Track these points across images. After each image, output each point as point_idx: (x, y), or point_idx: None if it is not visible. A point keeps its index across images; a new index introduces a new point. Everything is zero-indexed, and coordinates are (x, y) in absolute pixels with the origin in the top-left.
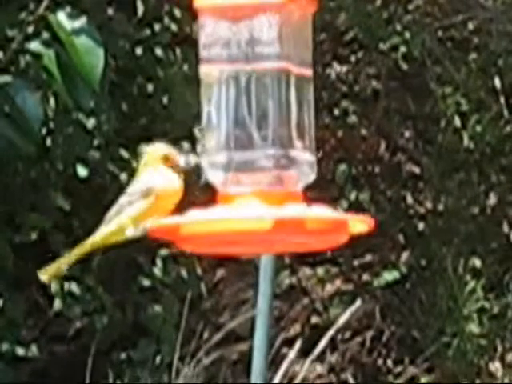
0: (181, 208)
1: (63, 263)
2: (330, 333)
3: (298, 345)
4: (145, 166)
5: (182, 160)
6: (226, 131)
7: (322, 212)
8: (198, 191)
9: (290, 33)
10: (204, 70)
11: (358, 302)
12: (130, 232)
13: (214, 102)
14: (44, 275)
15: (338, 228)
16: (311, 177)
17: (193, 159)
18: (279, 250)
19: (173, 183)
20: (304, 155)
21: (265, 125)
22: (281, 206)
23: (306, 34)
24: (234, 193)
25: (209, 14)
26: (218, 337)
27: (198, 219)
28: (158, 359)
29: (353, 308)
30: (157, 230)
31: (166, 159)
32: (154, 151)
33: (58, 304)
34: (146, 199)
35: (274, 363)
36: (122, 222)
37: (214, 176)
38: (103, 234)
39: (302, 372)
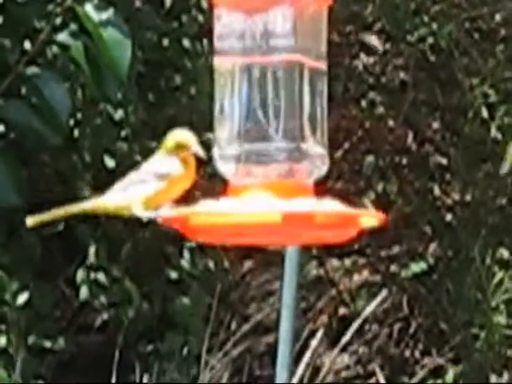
0: (192, 198)
1: (55, 215)
2: (356, 324)
3: (319, 335)
4: (163, 149)
5: (199, 149)
6: (238, 123)
7: (331, 206)
8: (209, 181)
9: (305, 26)
10: (218, 61)
11: (384, 293)
12: (139, 212)
13: (226, 93)
14: (31, 221)
15: (348, 222)
16: (323, 170)
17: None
18: (289, 242)
19: (186, 170)
20: (316, 148)
21: (277, 117)
22: (291, 198)
23: (320, 27)
24: (245, 184)
25: (224, 6)
26: (245, 329)
27: (208, 210)
28: (185, 351)
29: (378, 299)
30: (167, 220)
31: (183, 146)
32: (174, 137)
33: (84, 294)
34: (160, 182)
35: (301, 355)
36: (129, 197)
37: (225, 167)
38: (107, 201)
39: (329, 363)
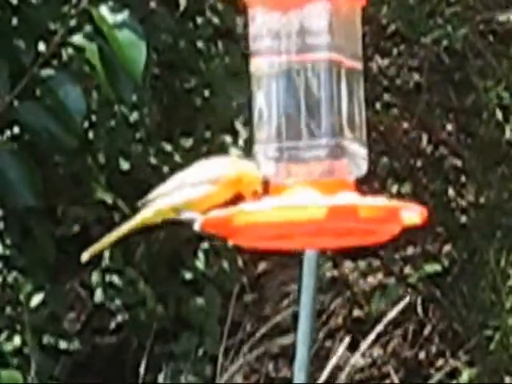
0: (232, 202)
1: (107, 243)
2: (378, 328)
3: (346, 340)
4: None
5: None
6: (277, 122)
7: (375, 200)
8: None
9: (340, 24)
10: (254, 62)
11: (407, 299)
12: (186, 215)
13: (264, 94)
14: (86, 255)
15: (392, 217)
16: (363, 169)
17: None
18: (331, 243)
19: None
20: (355, 146)
21: (316, 115)
22: (333, 195)
23: (355, 27)
24: (286, 184)
25: (259, 6)
26: (261, 331)
27: (250, 210)
28: (200, 352)
29: (401, 305)
30: (208, 223)
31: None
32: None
33: (99, 296)
34: (207, 186)
35: (316, 356)
36: (176, 201)
37: (266, 167)
38: (152, 211)
39: (347, 367)
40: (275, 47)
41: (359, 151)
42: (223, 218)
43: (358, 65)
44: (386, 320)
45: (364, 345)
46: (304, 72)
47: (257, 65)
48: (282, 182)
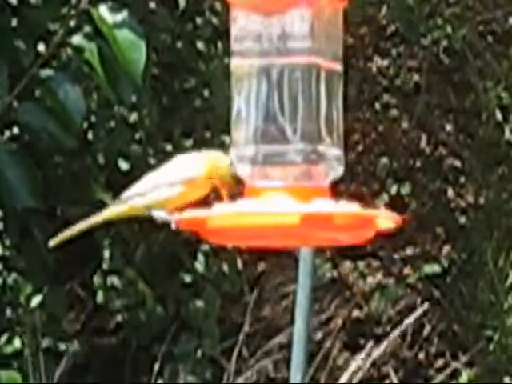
0: (207, 201)
1: (76, 231)
2: (394, 333)
3: (368, 345)
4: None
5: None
6: (254, 125)
7: (349, 208)
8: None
9: (322, 27)
10: (235, 63)
11: (423, 308)
12: (158, 214)
13: (243, 95)
14: (53, 242)
15: (366, 224)
16: (339, 171)
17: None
18: (306, 243)
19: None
20: (332, 150)
21: (294, 119)
22: (308, 200)
23: (337, 28)
24: (262, 186)
25: (241, 8)
26: (259, 331)
27: (224, 212)
28: (199, 353)
29: (418, 312)
30: (184, 222)
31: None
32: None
33: (99, 297)
34: (181, 185)
35: (315, 357)
36: (150, 200)
37: (241, 169)
38: (127, 207)
39: (345, 367)
40: (256, 49)
41: (336, 154)
42: (197, 219)
43: (338, 66)
44: (400, 328)
45: (374, 353)
46: (284, 75)
47: (237, 65)
48: (257, 185)
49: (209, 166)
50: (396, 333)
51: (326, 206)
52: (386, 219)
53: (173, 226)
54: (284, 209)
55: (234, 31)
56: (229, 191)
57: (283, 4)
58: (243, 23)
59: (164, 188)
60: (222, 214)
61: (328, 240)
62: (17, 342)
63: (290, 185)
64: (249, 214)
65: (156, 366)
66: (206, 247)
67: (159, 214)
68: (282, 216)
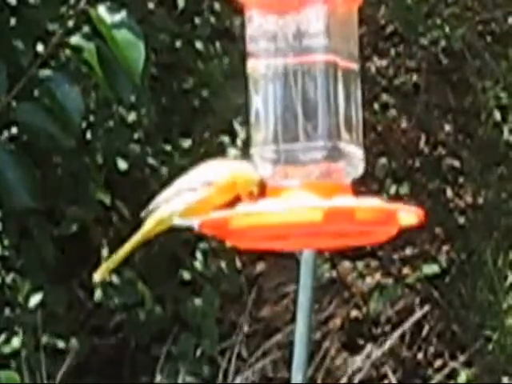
0: (230, 204)
1: (116, 260)
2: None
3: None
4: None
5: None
6: (273, 124)
7: (371, 202)
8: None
9: (337, 26)
10: (251, 64)
11: (422, 311)
12: (178, 221)
13: (261, 95)
14: (97, 275)
15: (388, 218)
16: (359, 170)
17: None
18: (329, 244)
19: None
20: (352, 148)
21: (313, 117)
22: (330, 197)
23: (351, 27)
24: (283, 186)
25: (255, 8)
26: (258, 331)
27: (247, 211)
28: (198, 353)
29: (411, 321)
30: (206, 225)
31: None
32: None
33: (98, 296)
34: (205, 189)
35: (314, 357)
36: (175, 207)
37: (262, 169)
38: (154, 221)
39: (343, 367)
40: (272, 49)
41: (356, 153)
42: (220, 220)
43: (355, 65)
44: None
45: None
46: (301, 74)
47: (253, 66)
48: (279, 184)
49: (232, 172)
50: (397, 334)
51: (348, 201)
52: (408, 213)
53: (195, 229)
54: (306, 205)
55: (249, 31)
56: (253, 200)
57: (298, 2)
58: (258, 23)
59: (187, 193)
60: (244, 214)
61: (351, 239)
62: (15, 342)
63: (311, 182)
64: (271, 214)
65: (157, 366)
66: (204, 246)
67: (187, 222)
68: (304, 212)
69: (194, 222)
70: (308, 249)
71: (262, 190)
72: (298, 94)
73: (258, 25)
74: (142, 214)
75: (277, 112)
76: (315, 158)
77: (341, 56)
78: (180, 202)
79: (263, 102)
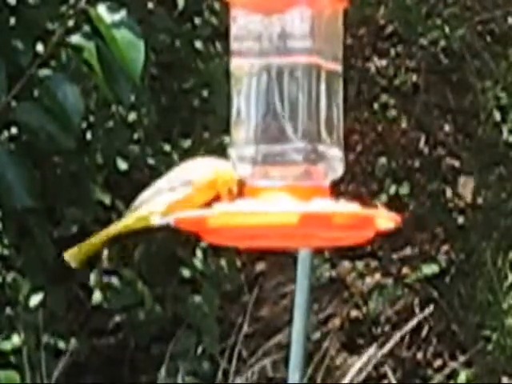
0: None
1: (89, 246)
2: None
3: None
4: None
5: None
6: (254, 124)
7: (348, 207)
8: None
9: (322, 27)
10: (235, 63)
11: (424, 313)
12: (157, 220)
13: (243, 94)
14: (67, 256)
15: (365, 224)
16: (339, 171)
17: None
18: (306, 244)
19: (214, 176)
20: (332, 150)
21: (294, 119)
22: (308, 200)
23: (337, 29)
24: (262, 186)
25: (241, 7)
26: (258, 331)
27: (224, 212)
28: (198, 351)
29: (413, 322)
30: (183, 222)
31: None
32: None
33: (97, 297)
34: (185, 189)
35: (313, 357)
36: (155, 207)
37: (241, 169)
38: (134, 217)
39: (343, 367)
40: (256, 49)
41: (336, 154)
42: (196, 218)
43: (338, 67)
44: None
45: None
46: (284, 75)
47: (237, 65)
48: (257, 185)
49: (213, 171)
50: (399, 335)
51: (325, 205)
52: (385, 219)
53: (171, 226)
54: (282, 208)
55: (234, 31)
56: (232, 198)
57: (283, 3)
58: (243, 23)
59: (167, 192)
60: (221, 214)
61: (328, 240)
62: (15, 340)
63: (290, 184)
64: (248, 214)
65: (158, 365)
66: (204, 244)
67: (165, 221)
68: (280, 216)
69: (171, 220)
70: (284, 249)
71: (241, 189)
72: (280, 94)
73: (243, 24)
74: (124, 212)
75: (258, 112)
76: (295, 160)
77: (325, 58)
78: (160, 201)
79: (245, 102)
